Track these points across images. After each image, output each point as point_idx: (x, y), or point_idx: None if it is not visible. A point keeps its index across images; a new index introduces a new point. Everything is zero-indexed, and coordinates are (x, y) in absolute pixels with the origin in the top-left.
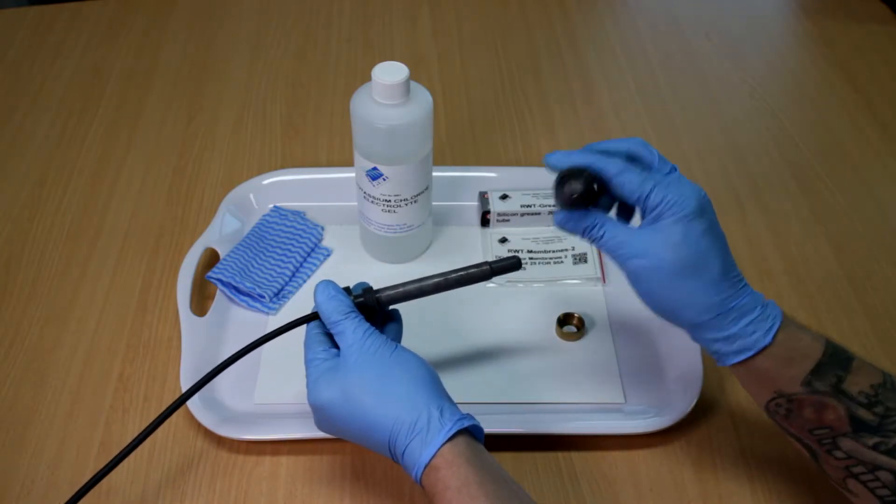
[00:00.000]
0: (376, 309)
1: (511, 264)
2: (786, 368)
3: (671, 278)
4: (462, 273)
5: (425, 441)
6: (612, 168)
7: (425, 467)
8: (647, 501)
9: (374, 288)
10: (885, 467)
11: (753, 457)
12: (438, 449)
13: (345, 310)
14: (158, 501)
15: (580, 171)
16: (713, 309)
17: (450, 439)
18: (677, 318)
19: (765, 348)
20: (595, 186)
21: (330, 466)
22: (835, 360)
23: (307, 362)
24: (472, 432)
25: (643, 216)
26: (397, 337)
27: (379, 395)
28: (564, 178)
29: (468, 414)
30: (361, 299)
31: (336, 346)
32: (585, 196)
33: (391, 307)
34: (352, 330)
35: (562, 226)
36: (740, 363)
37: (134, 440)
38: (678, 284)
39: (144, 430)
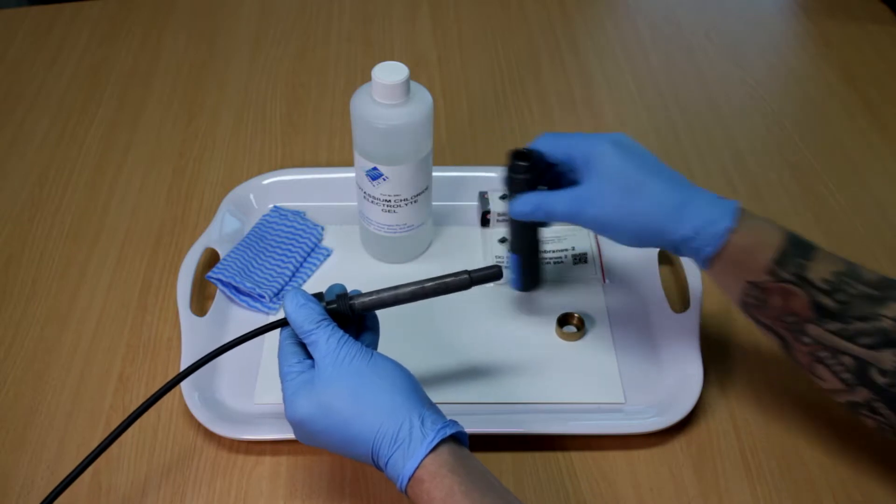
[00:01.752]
0: (350, 316)
1: (491, 274)
2: (751, 257)
3: (623, 196)
4: (439, 282)
5: (407, 454)
6: (541, 141)
7: (409, 479)
8: (647, 501)
9: (349, 291)
10: (846, 352)
11: (753, 457)
12: (421, 461)
13: (316, 318)
14: (158, 501)
15: (522, 153)
16: (672, 203)
17: (433, 449)
18: (647, 228)
19: (731, 234)
20: (540, 160)
21: (330, 466)
22: (797, 249)
23: (282, 376)
24: (457, 437)
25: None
26: (372, 346)
27: (358, 407)
28: (513, 161)
29: (451, 421)
30: (334, 306)
31: (311, 355)
32: (537, 165)
33: (369, 315)
34: (325, 339)
35: (521, 211)
36: (716, 258)
37: (128, 417)
38: (631, 198)
39: (137, 408)
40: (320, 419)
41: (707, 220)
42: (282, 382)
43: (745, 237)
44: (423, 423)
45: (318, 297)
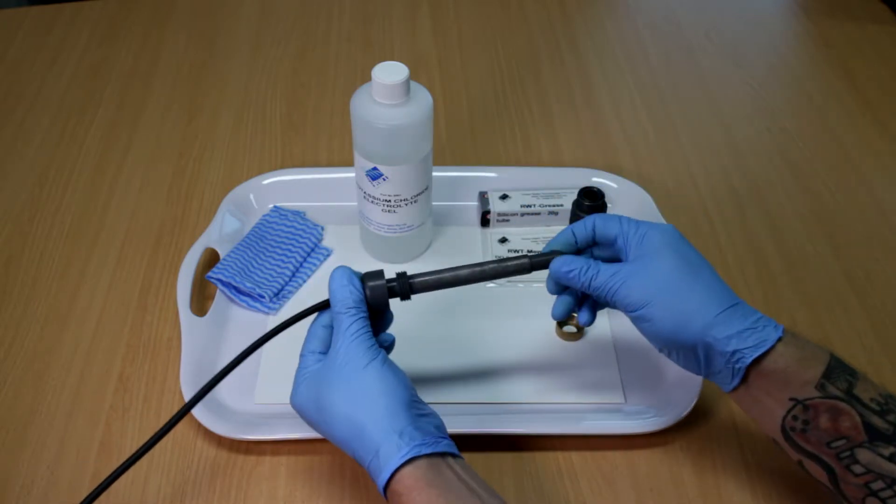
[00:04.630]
0: (407, 295)
1: (549, 261)
2: (800, 368)
3: (674, 282)
4: (499, 265)
5: (380, 466)
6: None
7: (385, 491)
8: (647, 501)
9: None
10: None
11: (753, 456)
12: (393, 474)
13: (348, 303)
14: (158, 501)
15: (591, 192)
16: (723, 301)
17: (409, 462)
18: (690, 321)
19: (778, 343)
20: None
21: (330, 466)
22: (843, 366)
23: (301, 355)
24: (445, 453)
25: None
26: (389, 343)
27: (345, 408)
28: (580, 198)
29: (436, 439)
30: (394, 284)
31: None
32: (603, 206)
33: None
34: (344, 328)
35: (559, 272)
36: (757, 369)
37: (139, 449)
38: (683, 282)
39: (151, 438)
40: (313, 413)
41: (758, 323)
42: (299, 360)
43: (793, 349)
44: (400, 436)
45: (375, 275)
